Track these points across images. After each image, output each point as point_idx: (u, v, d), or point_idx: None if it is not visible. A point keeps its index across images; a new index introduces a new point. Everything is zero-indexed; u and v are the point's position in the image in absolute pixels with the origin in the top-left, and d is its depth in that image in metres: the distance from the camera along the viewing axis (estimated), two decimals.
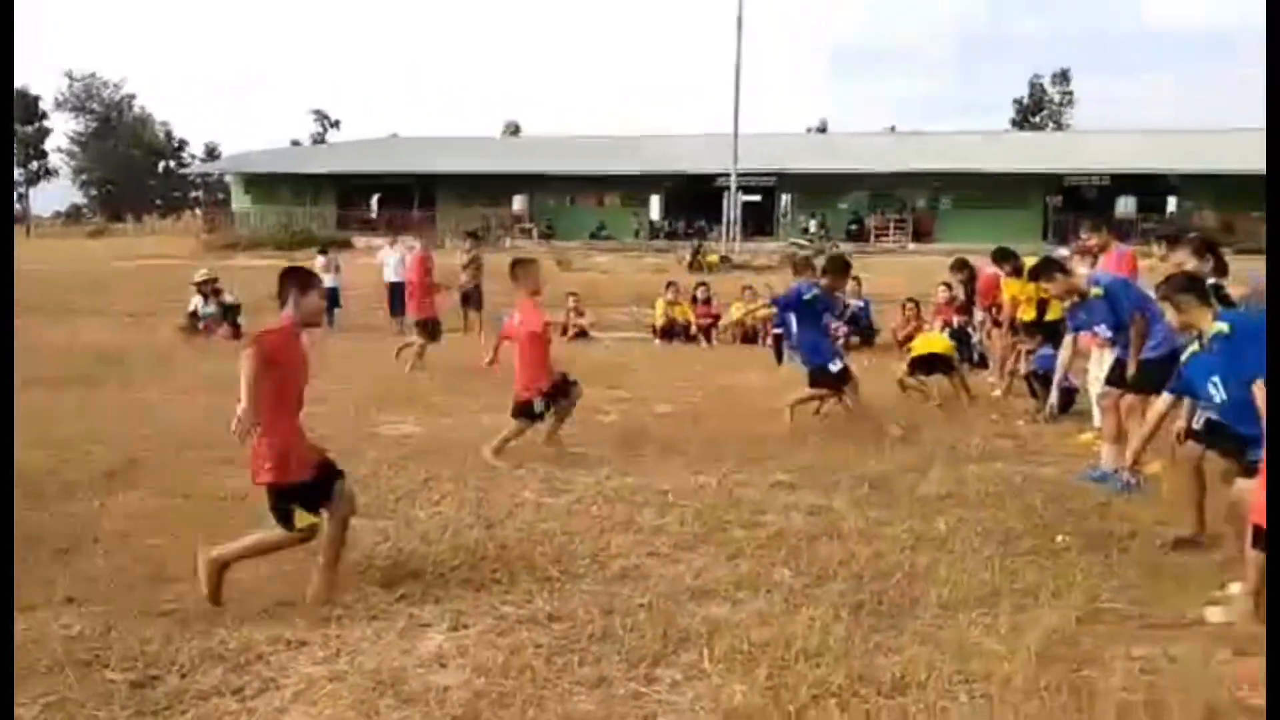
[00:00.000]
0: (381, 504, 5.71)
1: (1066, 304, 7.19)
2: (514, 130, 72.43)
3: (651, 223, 43.96)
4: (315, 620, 4.06)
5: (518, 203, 42.41)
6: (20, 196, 74.20)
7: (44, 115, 73.28)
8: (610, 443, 7.41)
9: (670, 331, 15.04)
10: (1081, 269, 7.95)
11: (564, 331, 14.98)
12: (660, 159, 42.77)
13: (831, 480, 6.28)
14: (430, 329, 11.88)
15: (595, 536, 5.12)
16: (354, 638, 3.92)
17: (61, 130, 76.29)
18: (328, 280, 16.10)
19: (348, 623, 4.05)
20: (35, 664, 3.63)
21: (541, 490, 6.02)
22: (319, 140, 72.81)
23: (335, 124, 77.28)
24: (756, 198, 43.99)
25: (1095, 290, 6.68)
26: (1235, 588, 4.29)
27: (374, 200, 44.62)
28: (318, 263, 16.50)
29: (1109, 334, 6.70)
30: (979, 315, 11.22)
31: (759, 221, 42.59)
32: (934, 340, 10.09)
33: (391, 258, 16.54)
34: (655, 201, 44.44)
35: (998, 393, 9.66)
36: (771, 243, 38.04)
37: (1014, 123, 67.76)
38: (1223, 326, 4.43)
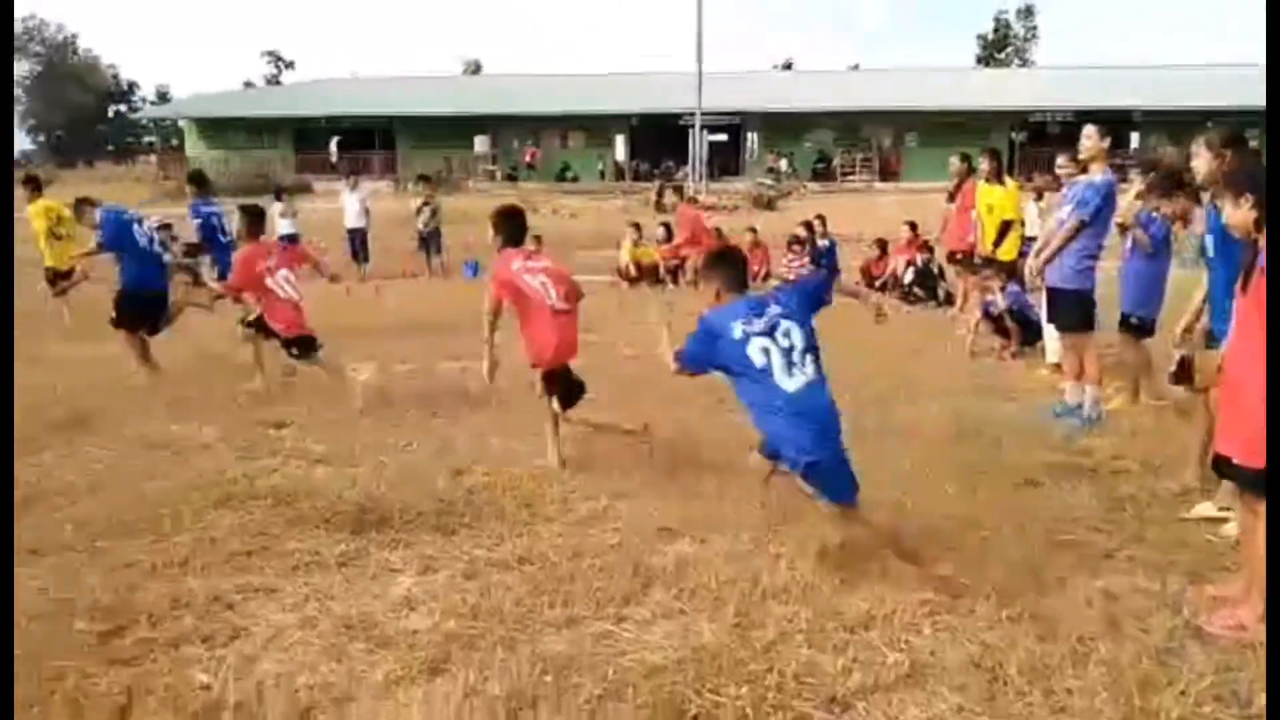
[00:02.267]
0: (350, 451, 5.68)
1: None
2: (474, 69, 71.03)
3: (617, 163, 43.52)
4: (285, 568, 4.05)
5: (479, 144, 41.76)
6: None
7: None
8: None
9: (637, 274, 14.96)
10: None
11: None
12: (625, 98, 42.22)
13: None
14: None
15: (563, 480, 5.13)
16: (324, 584, 3.92)
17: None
18: (285, 226, 15.90)
19: (317, 570, 4.05)
20: None
21: (507, 436, 6.01)
22: (273, 81, 70.99)
23: (290, 64, 75.41)
24: (723, 137, 43.63)
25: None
26: (1203, 508, 4.40)
27: (333, 143, 43.71)
28: (275, 208, 16.18)
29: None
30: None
31: (726, 161, 42.30)
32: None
33: (353, 202, 16.25)
34: (620, 142, 43.93)
35: (963, 330, 9.58)
36: (739, 182, 37.84)
37: (979, 59, 67.48)
38: None
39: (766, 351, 3.82)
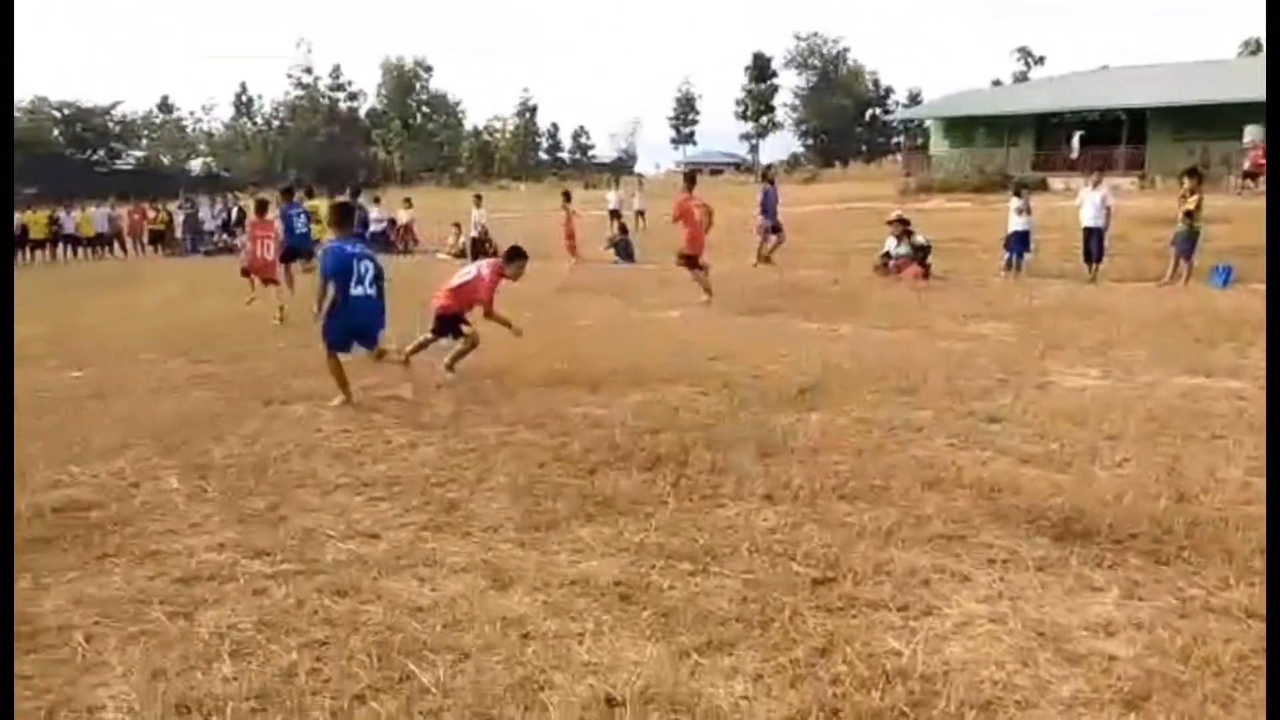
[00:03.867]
0: (1056, 457, 5.49)
1: None
2: (1255, 49, 62.02)
3: None
4: (981, 559, 4.09)
5: (1250, 134, 36.27)
6: (752, 148, 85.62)
7: (774, 74, 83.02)
8: None
9: None
10: None
11: None
12: None
13: None
14: None
15: None
16: (1018, 584, 3.87)
17: (787, 86, 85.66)
18: (1019, 223, 15.77)
19: (1013, 567, 4.01)
20: (739, 545, 4.27)
21: (1252, 469, 5.20)
22: (1021, 78, 70.72)
23: (1039, 60, 74.60)
24: None
25: None
26: None
27: (1075, 138, 41.96)
28: (1012, 204, 16.15)
29: None
30: None
31: None
32: None
33: (1092, 199, 15.44)
34: None
35: None
36: None
37: None
38: None
39: (362, 272, 7.16)
